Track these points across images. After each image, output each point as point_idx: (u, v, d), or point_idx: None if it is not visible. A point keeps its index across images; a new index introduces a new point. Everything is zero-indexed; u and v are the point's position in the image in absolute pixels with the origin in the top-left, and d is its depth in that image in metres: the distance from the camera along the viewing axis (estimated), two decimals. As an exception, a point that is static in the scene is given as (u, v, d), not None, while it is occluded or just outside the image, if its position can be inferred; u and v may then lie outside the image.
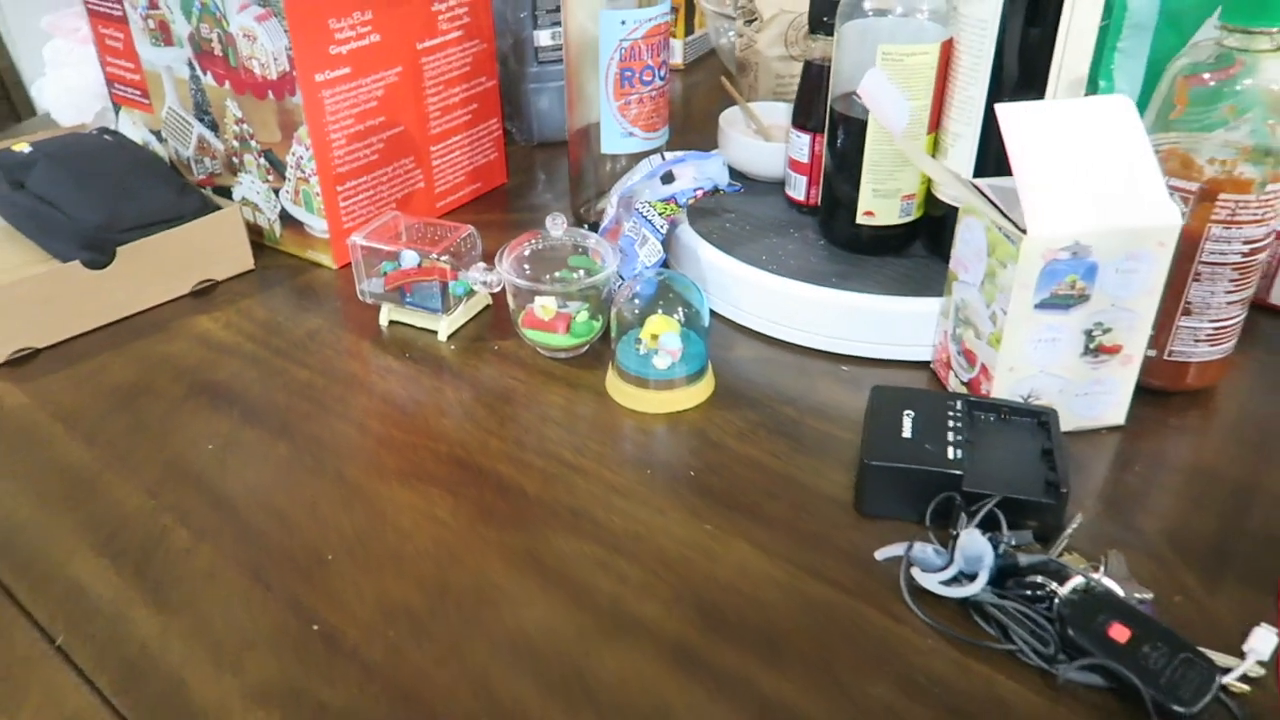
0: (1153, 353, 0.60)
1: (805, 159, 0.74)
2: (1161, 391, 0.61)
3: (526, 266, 0.65)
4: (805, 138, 0.74)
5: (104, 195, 0.72)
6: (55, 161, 0.73)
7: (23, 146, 0.74)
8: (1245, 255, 0.56)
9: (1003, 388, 0.56)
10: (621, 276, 0.67)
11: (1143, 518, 0.52)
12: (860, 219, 0.69)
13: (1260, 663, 0.44)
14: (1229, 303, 0.58)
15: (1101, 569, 0.47)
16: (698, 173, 0.69)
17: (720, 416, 0.60)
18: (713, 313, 0.70)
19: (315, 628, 0.46)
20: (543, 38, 0.94)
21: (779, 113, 0.84)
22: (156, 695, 0.43)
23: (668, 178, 0.70)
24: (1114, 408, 0.58)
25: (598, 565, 0.49)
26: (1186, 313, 0.58)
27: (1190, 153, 0.55)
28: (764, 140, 0.83)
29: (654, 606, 0.47)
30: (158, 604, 0.48)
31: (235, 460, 0.57)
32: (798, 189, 0.76)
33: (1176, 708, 0.41)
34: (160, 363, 0.67)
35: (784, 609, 0.47)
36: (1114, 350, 0.55)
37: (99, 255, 0.69)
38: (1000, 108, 0.54)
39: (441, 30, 0.79)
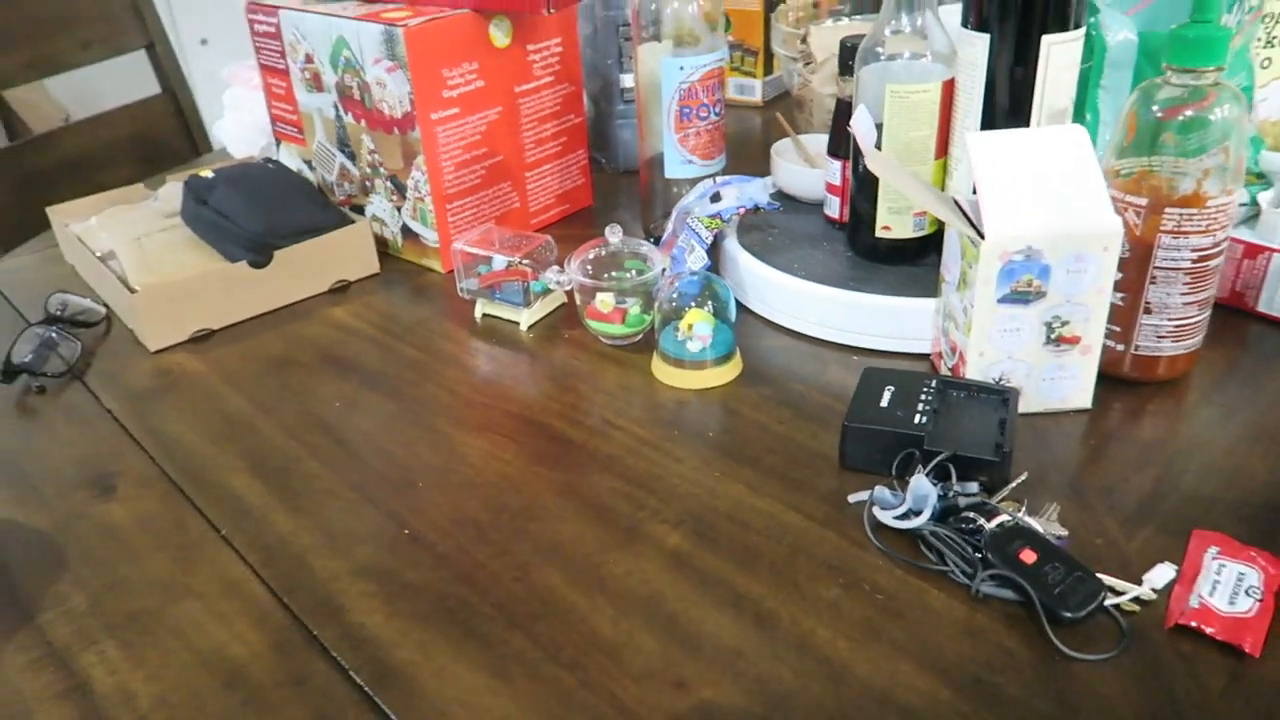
0: (1121, 347, 0.69)
1: (838, 182, 0.86)
2: (1136, 382, 0.70)
3: (590, 268, 0.79)
4: (837, 164, 0.85)
5: (266, 211, 0.90)
6: (230, 184, 0.92)
7: (207, 173, 0.94)
8: (1195, 262, 0.65)
9: (975, 370, 0.66)
10: (669, 278, 0.80)
11: (1085, 478, 0.61)
12: (879, 232, 0.80)
13: (1155, 590, 0.53)
14: (1185, 304, 0.66)
15: (1024, 510, 0.57)
16: (740, 193, 0.82)
17: (741, 392, 0.73)
18: (749, 310, 0.82)
19: (405, 531, 0.61)
20: (627, 80, 1.08)
21: (824, 143, 0.96)
22: (289, 570, 0.59)
23: (715, 197, 0.83)
24: (1079, 392, 0.67)
25: (621, 496, 0.62)
26: (1148, 311, 0.67)
27: (1152, 173, 0.64)
28: (809, 167, 0.95)
29: (660, 526, 0.60)
30: (292, 510, 0.64)
31: (354, 413, 0.73)
32: (833, 208, 0.87)
33: (1064, 613, 0.50)
34: (302, 341, 0.84)
35: (764, 533, 0.59)
36: (1073, 340, 0.65)
37: (261, 258, 0.87)
38: (970, 135, 0.65)
39: (535, 76, 0.95)
